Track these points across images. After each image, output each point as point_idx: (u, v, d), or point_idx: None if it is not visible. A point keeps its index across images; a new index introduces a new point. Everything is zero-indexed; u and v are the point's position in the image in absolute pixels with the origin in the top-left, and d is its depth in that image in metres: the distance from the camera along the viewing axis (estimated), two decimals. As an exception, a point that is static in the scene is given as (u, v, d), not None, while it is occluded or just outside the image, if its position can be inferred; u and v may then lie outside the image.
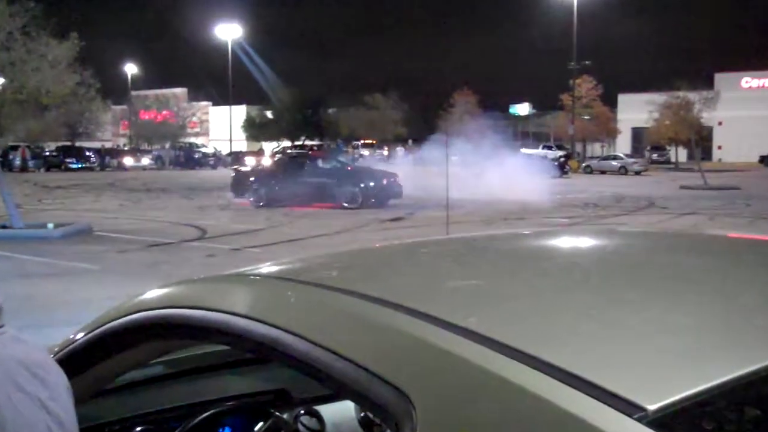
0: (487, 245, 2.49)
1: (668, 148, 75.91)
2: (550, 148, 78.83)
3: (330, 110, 76.40)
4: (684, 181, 43.19)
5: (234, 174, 29.72)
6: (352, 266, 2.16)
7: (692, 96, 56.49)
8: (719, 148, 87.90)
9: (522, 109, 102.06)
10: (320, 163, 29.07)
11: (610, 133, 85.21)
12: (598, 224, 20.64)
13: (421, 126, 40.16)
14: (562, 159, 58.43)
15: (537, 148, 73.93)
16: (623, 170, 62.11)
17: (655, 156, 78.81)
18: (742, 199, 31.24)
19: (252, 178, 28.66)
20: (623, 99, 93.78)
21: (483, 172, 33.35)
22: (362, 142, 79.67)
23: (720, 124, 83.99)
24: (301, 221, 22.60)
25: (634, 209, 27.22)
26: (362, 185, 27.04)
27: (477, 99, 77.41)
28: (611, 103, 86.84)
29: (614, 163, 64.62)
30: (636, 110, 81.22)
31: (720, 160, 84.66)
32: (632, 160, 65.41)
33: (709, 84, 72.15)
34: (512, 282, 1.79)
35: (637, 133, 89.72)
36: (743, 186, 39.25)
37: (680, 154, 74.10)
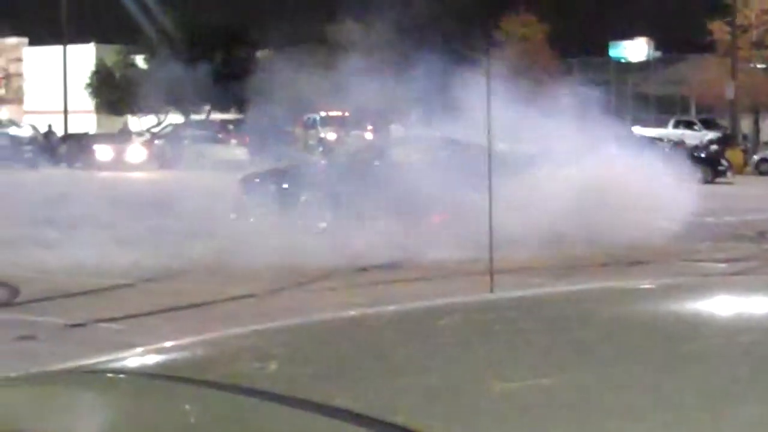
0: (554, 312, 2.05)
1: None
2: (689, 125, 58.30)
3: (260, 53, 48.39)
4: None
5: (243, 179, 23.13)
6: (299, 352, 1.77)
7: None
8: None
9: (634, 50, 74.46)
10: None
11: None
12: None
13: (429, 85, 21.35)
14: (713, 147, 43.63)
15: (665, 125, 49.44)
16: None
17: None
18: None
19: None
20: None
21: (554, 174, 22.89)
22: (321, 115, 52.75)
23: None
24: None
25: None
26: None
27: (545, 30, 49.18)
28: None
29: None
30: None
31: None
32: None
33: None
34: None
35: None
36: None
37: None
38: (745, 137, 56.72)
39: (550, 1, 47.80)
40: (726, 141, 49.56)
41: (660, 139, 40.41)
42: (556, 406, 1.45)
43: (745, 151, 50.27)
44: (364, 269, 17.58)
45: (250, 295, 15.48)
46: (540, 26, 56.00)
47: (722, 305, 2.07)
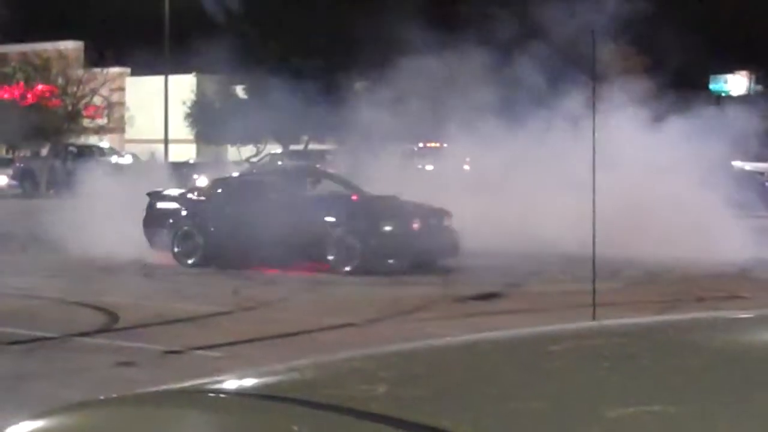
0: (671, 339, 2.06)
1: None
2: None
3: (359, 83, 48.07)
4: None
5: (148, 206, 23.99)
6: (410, 377, 1.74)
7: None
8: None
9: (735, 83, 73.75)
10: (298, 185, 23.56)
11: None
12: None
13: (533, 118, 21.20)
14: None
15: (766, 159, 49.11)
16: None
17: None
18: None
19: (177, 215, 23.35)
20: None
21: (645, 204, 23.44)
22: (419, 146, 49.13)
23: None
24: (288, 297, 18.04)
25: None
26: (376, 231, 21.06)
27: (645, 63, 48.39)
28: None
29: None
30: None
31: None
32: None
33: None
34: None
35: None
36: None
37: None
38: None
39: (650, 34, 47.02)
40: None
41: (761, 173, 39.73)
42: None
43: None
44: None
45: (350, 325, 15.32)
46: (640, 59, 54.51)
47: None
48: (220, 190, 24.01)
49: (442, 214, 21.94)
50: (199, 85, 68.69)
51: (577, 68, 25.72)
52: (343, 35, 59.07)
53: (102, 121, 66.91)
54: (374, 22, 30.18)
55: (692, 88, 63.94)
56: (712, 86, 72.36)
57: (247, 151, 62.26)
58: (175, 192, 24.99)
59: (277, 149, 60.01)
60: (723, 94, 71.46)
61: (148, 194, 24.58)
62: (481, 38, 28.24)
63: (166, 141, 62.97)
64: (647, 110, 25.58)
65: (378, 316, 16.08)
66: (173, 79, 64.16)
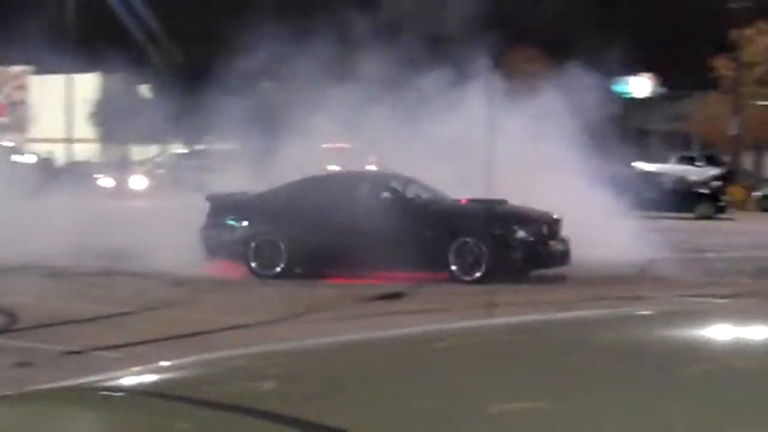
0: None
1: None
2: (692, 161, 57.61)
3: (265, 84, 47.21)
4: None
5: (211, 212, 21.21)
6: (298, 374, 1.73)
7: None
8: None
9: (639, 86, 73.58)
10: (396, 188, 21.46)
11: None
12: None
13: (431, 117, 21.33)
14: (715, 183, 43.57)
15: (668, 160, 48.73)
16: None
17: None
18: None
19: (252, 218, 20.87)
20: None
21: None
22: (324, 146, 47.14)
23: None
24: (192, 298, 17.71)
25: None
26: (503, 238, 19.97)
27: (548, 65, 48.83)
28: None
29: None
30: None
31: None
32: None
33: None
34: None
35: None
36: None
37: None
38: (747, 174, 56.19)
39: (553, 36, 47.55)
40: (728, 177, 49.43)
41: (662, 174, 40.26)
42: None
43: (747, 188, 49.85)
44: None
45: (247, 325, 15.13)
46: (543, 61, 53.46)
47: (721, 330, 2.07)
48: (301, 193, 21.56)
49: (557, 220, 21.08)
50: (102, 84, 67.74)
51: (476, 69, 25.84)
52: (250, 34, 58.91)
53: (4, 119, 65.97)
54: (278, 21, 30.02)
55: (595, 90, 64.61)
56: (615, 88, 72.32)
57: (151, 150, 61.01)
58: (244, 195, 21.95)
59: (180, 149, 59.75)
60: (626, 96, 72.58)
61: (208, 198, 22.10)
62: (387, 40, 28.31)
63: (68, 140, 62.33)
64: (548, 111, 25.80)
65: (284, 316, 15.86)
66: (77, 78, 63.42)
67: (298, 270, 20.38)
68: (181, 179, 40.89)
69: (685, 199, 34.94)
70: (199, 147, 59.28)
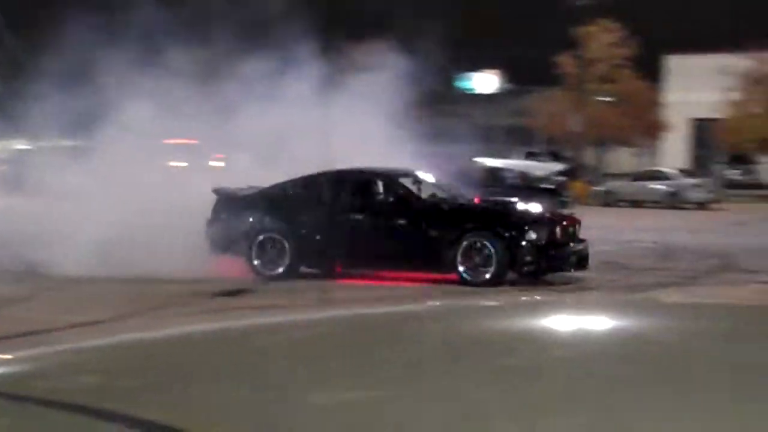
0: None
1: (758, 158, 58.12)
2: (534, 155, 57.99)
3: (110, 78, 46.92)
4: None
5: (216, 204, 20.69)
6: (120, 369, 1.72)
7: None
8: None
9: (483, 82, 73.98)
10: (406, 185, 20.46)
11: (650, 129, 63.54)
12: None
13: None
14: (557, 178, 43.25)
15: (512, 156, 49.40)
16: (674, 200, 45.65)
17: (735, 173, 59.74)
18: None
19: (256, 214, 20.27)
20: (675, 65, 70.21)
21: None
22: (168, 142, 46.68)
23: None
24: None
25: (695, 274, 21.12)
26: (514, 239, 18.92)
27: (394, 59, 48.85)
28: (652, 74, 66.38)
29: (657, 186, 47.68)
30: (699, 86, 59.31)
31: None
32: (692, 180, 48.53)
33: None
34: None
35: (702, 129, 66.69)
36: None
37: None
38: (590, 169, 56.98)
39: (398, 30, 47.69)
40: (571, 173, 49.76)
41: (506, 170, 40.67)
42: (359, 422, 1.47)
43: (589, 183, 50.75)
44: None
45: (86, 323, 14.73)
46: (389, 55, 54.05)
47: (550, 323, 2.15)
48: (309, 190, 21.11)
49: (575, 221, 20.62)
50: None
51: (312, 63, 25.70)
52: (93, 31, 57.48)
53: None
54: (125, 17, 29.54)
55: (438, 86, 64.84)
56: (460, 84, 72.32)
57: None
58: (250, 190, 21.44)
59: (24, 145, 58.32)
60: (470, 92, 72.02)
61: (215, 191, 21.45)
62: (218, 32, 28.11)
63: None
64: (388, 107, 25.84)
65: (125, 312, 15.51)
66: None
67: (302, 269, 19.87)
68: (22, 176, 40.09)
69: (528, 195, 35.13)
70: (42, 143, 58.20)
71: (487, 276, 18.85)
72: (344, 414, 1.50)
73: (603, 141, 60.48)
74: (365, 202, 19.96)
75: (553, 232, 19.55)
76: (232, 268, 20.12)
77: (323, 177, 20.85)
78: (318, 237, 19.66)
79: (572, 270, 19.88)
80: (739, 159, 60.23)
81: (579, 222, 20.46)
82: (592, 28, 58.45)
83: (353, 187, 20.47)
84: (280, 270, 19.77)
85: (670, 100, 66.18)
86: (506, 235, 19.12)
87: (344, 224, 19.55)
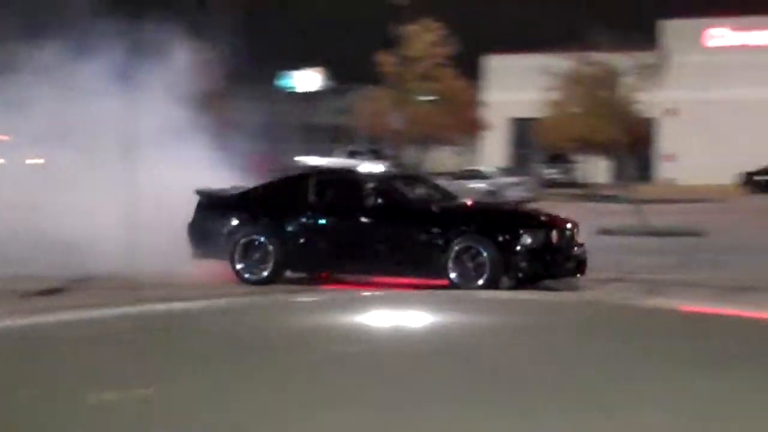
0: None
1: (575, 157, 59.38)
2: (356, 154, 58.83)
3: None
4: (606, 220, 32.25)
5: (198, 205, 19.72)
6: None
7: (620, 60, 41.12)
8: (668, 158, 67.92)
9: (305, 80, 74.61)
10: (397, 186, 19.65)
11: (470, 128, 64.22)
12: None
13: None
14: None
15: (334, 154, 48.67)
16: (494, 198, 43.27)
17: (552, 172, 60.89)
18: (706, 252, 24.42)
19: (239, 216, 19.21)
20: (495, 65, 72.02)
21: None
22: None
23: (670, 113, 64.28)
24: None
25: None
26: (508, 243, 17.82)
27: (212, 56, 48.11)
28: (472, 73, 67.63)
29: (477, 185, 47.45)
30: (518, 86, 62.02)
31: (671, 179, 64.48)
32: (511, 179, 50.01)
33: (648, 39, 54.72)
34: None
35: (521, 129, 68.38)
36: (709, 229, 30.71)
37: (599, 169, 57.08)
38: (411, 168, 54.98)
39: (219, 27, 47.10)
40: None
41: (325, 168, 40.47)
42: (133, 419, 1.46)
43: None
44: None
45: None
46: (209, 52, 53.18)
47: (332, 319, 2.18)
48: (297, 191, 20.02)
49: (572, 225, 19.52)
50: None
51: (122, 60, 25.18)
52: None
53: None
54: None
55: (259, 84, 64.21)
56: (281, 82, 72.33)
57: None
58: (234, 190, 20.56)
59: None
60: (292, 90, 72.39)
61: (198, 192, 20.55)
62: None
63: None
64: (210, 107, 25.45)
65: None
66: None
67: (288, 273, 19.18)
68: None
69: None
70: None
71: (480, 282, 17.93)
72: (116, 412, 1.49)
73: (424, 139, 60.36)
74: (353, 204, 19.04)
75: (549, 236, 18.69)
76: (34, 265, 19.28)
77: (310, 177, 20.26)
78: (303, 240, 18.92)
79: (569, 276, 19.01)
80: (558, 158, 61.16)
81: (576, 225, 19.65)
82: (413, 27, 58.51)
83: (341, 187, 19.66)
84: (265, 274, 18.92)
85: (490, 99, 67.39)
86: (500, 239, 18.28)
87: (331, 227, 18.90)
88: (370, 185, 19.37)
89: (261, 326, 2.11)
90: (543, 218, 19.73)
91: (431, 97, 60.17)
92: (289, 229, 19.07)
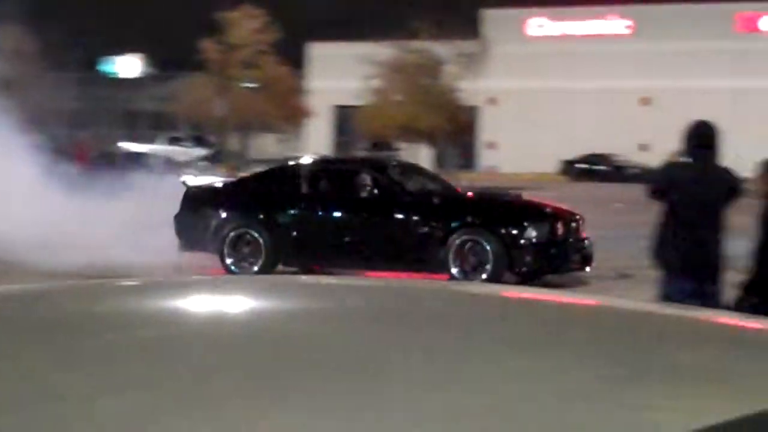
0: None
1: (398, 145, 57.41)
2: (178, 141, 57.61)
3: None
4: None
5: (186, 194, 18.19)
6: None
7: (442, 48, 43.22)
8: (491, 146, 68.45)
9: (127, 66, 72.63)
10: (393, 176, 18.30)
11: (293, 116, 64.03)
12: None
13: None
14: (201, 163, 43.34)
15: (156, 141, 47.26)
16: None
17: None
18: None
19: (229, 207, 17.71)
20: (319, 53, 71.81)
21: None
22: None
23: (491, 101, 64.56)
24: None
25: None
26: (511, 236, 16.57)
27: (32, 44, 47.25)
28: (296, 61, 67.01)
29: None
30: (342, 74, 61.18)
31: (493, 167, 63.67)
32: None
33: (470, 29, 54.67)
34: None
35: (345, 116, 67.76)
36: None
37: (422, 157, 52.57)
38: (234, 154, 56.49)
39: (36, 12, 45.77)
40: (216, 158, 49.98)
41: (150, 155, 40.11)
42: None
43: (234, 168, 49.63)
44: None
45: None
46: (26, 39, 51.66)
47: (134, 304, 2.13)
48: (289, 181, 18.71)
49: (578, 218, 18.39)
50: None
51: None
52: None
53: None
54: None
55: (81, 70, 62.98)
56: (103, 68, 70.95)
57: None
58: (222, 180, 19.84)
59: None
60: (113, 76, 70.88)
61: (184, 183, 19.49)
62: None
63: None
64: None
65: None
66: None
67: (279, 267, 17.86)
68: None
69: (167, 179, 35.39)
70: None
71: (483, 276, 17.03)
72: None
73: (248, 126, 60.42)
74: (348, 195, 18.01)
75: (554, 229, 17.63)
76: None
77: (303, 167, 19.17)
78: (296, 233, 17.70)
79: (574, 270, 18.11)
80: (380, 146, 60.40)
81: (582, 217, 18.67)
82: (235, 14, 58.07)
83: (335, 177, 18.57)
84: (255, 269, 17.66)
85: (313, 86, 67.55)
86: (503, 231, 17.24)
87: (325, 218, 17.81)
88: (367, 175, 18.31)
89: (50, 311, 2.06)
90: (548, 210, 18.55)
91: (254, 84, 59.59)
92: (282, 221, 17.94)
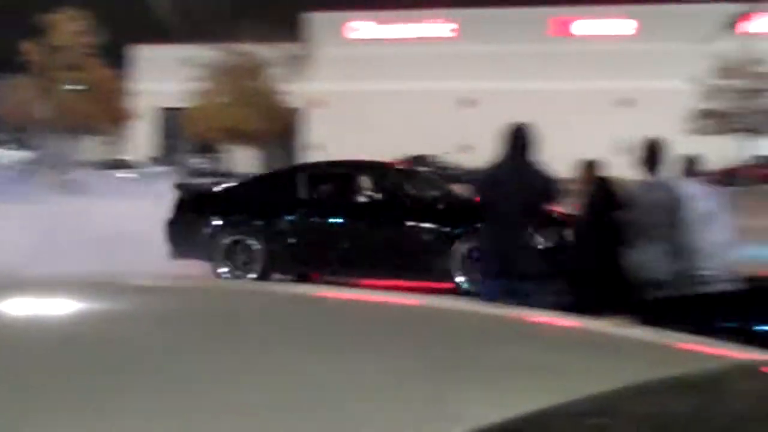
0: None
1: (224, 147, 58.30)
2: (1, 143, 57.86)
3: None
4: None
5: (179, 201, 17.23)
6: None
7: (265, 51, 34.78)
8: (319, 148, 65.02)
9: None
10: (394, 181, 17.28)
11: (118, 118, 63.28)
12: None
13: None
14: (25, 167, 43.96)
15: None
16: (138, 187, 42.13)
17: (199, 161, 58.79)
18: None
19: (224, 213, 16.78)
20: (144, 55, 70.80)
21: None
22: None
23: (315, 104, 63.14)
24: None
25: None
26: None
27: None
28: (120, 63, 66.84)
29: (123, 175, 47.07)
30: (167, 76, 60.22)
31: None
32: (157, 169, 49.16)
33: (294, 32, 56.49)
34: None
35: (170, 118, 67.01)
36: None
37: (248, 159, 55.05)
38: (58, 157, 53.54)
39: None
40: (40, 161, 48.70)
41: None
42: None
43: (58, 172, 48.77)
44: None
45: None
46: None
47: None
48: (286, 186, 17.58)
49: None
50: None
51: None
52: None
53: None
54: None
55: None
56: None
57: None
58: (217, 185, 18.73)
59: None
60: None
61: (178, 186, 18.65)
62: None
63: None
64: None
65: None
66: None
67: (277, 275, 16.92)
68: None
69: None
70: None
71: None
72: None
73: (72, 129, 59.37)
74: (348, 200, 17.18)
75: (562, 235, 16.57)
76: None
77: (301, 171, 18.43)
78: (293, 240, 16.77)
79: None
80: (206, 148, 61.13)
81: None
82: (57, 16, 57.60)
83: (335, 182, 17.79)
84: (251, 277, 16.93)
85: (137, 89, 66.58)
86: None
87: (324, 226, 16.87)
88: (368, 180, 17.66)
89: None
90: (556, 215, 17.16)
91: (78, 87, 58.91)
92: (278, 228, 17.01)
